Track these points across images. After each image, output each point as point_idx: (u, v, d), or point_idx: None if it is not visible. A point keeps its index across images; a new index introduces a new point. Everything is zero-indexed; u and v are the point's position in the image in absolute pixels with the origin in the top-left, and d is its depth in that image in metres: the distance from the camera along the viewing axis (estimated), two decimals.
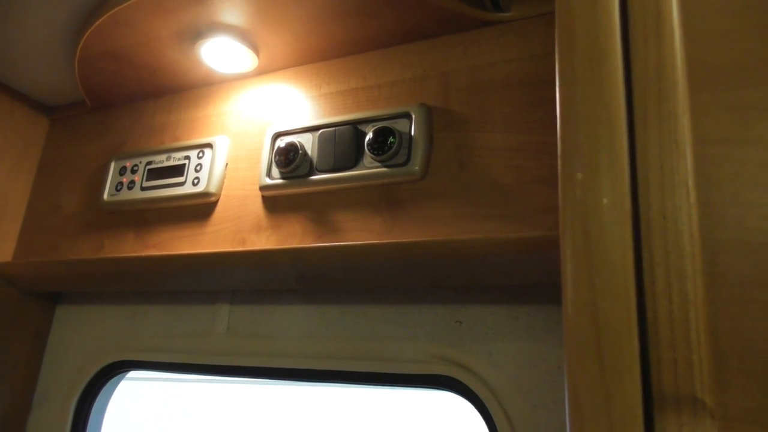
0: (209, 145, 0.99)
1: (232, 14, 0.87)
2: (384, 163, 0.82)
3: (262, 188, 0.91)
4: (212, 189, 0.96)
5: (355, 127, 0.86)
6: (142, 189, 1.02)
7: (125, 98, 1.14)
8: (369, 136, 0.83)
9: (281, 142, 0.90)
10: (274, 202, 0.91)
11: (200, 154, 0.99)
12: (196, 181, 0.97)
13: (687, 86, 0.32)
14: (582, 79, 0.33)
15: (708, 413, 0.28)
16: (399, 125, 0.83)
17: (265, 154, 0.93)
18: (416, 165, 0.80)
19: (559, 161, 0.34)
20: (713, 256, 0.30)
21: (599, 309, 0.30)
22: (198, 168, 0.98)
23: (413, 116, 0.82)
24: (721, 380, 0.29)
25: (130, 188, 1.04)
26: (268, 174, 0.91)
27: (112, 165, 1.08)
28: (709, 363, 0.29)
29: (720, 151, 0.31)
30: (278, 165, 0.89)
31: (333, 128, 0.88)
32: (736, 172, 0.31)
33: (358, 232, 0.83)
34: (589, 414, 0.29)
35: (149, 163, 1.04)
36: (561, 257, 0.32)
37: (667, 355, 0.29)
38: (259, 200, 0.93)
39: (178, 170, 1.00)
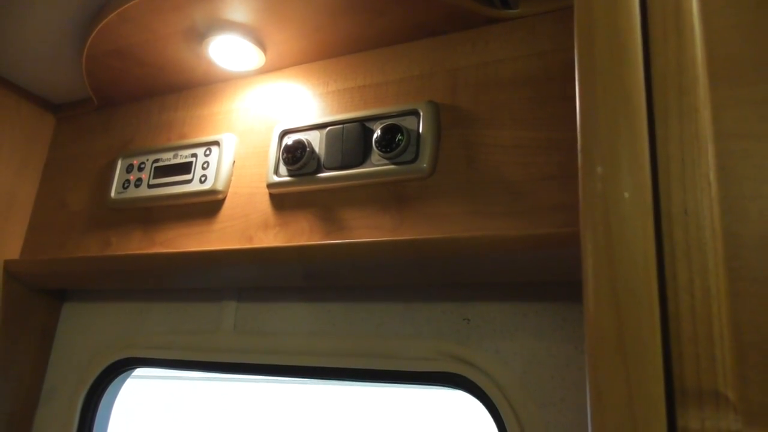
0: (216, 143, 0.99)
1: (239, 12, 0.87)
2: (392, 160, 0.82)
3: (270, 186, 0.91)
4: (219, 186, 0.96)
5: (363, 125, 0.86)
6: (149, 186, 1.03)
7: (132, 96, 1.14)
8: (377, 133, 0.83)
9: (289, 140, 0.90)
10: (281, 200, 0.91)
11: (207, 152, 0.99)
12: (203, 178, 0.97)
13: (707, 80, 0.32)
14: (602, 73, 0.33)
15: (731, 408, 0.28)
16: (407, 122, 0.83)
17: (272, 152, 0.93)
18: (424, 162, 0.79)
19: (579, 155, 0.33)
20: (735, 251, 0.30)
21: (621, 303, 0.30)
22: (205, 165, 0.98)
23: (421, 113, 0.82)
24: (743, 375, 0.29)
25: (137, 186, 1.04)
26: (276, 171, 0.91)
27: (119, 162, 1.08)
28: (731, 357, 0.29)
29: (741, 145, 0.31)
30: (286, 162, 0.89)
31: (341, 126, 0.88)
32: (757, 166, 0.31)
33: (366, 230, 0.82)
34: (611, 408, 0.29)
35: (156, 160, 1.04)
36: (582, 252, 0.32)
37: (690, 350, 0.29)
38: (266, 198, 0.93)
39: (186, 168, 1.00)
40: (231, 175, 0.97)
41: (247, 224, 0.93)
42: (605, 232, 0.31)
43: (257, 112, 1.00)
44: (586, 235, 0.31)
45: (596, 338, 0.30)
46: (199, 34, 0.93)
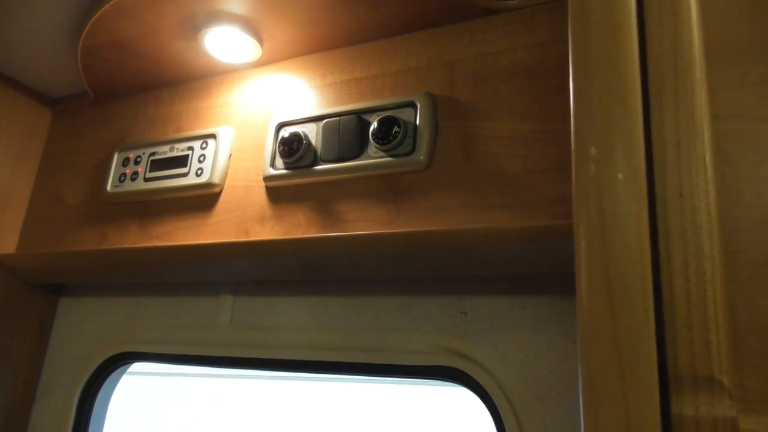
0: (213, 136, 0.98)
1: (235, 3, 0.86)
2: (389, 152, 0.81)
3: (266, 179, 0.91)
4: (216, 180, 0.95)
5: (360, 117, 0.85)
6: (146, 180, 1.02)
7: (128, 89, 1.13)
8: (373, 125, 0.82)
9: (285, 132, 0.90)
10: (277, 193, 0.91)
11: (204, 145, 0.99)
12: (199, 171, 0.97)
13: (704, 62, 0.31)
14: (596, 53, 0.32)
15: (726, 394, 0.27)
16: (404, 114, 0.82)
17: (268, 145, 0.92)
18: (421, 154, 0.79)
19: (573, 137, 0.33)
20: (731, 234, 0.30)
21: (614, 287, 0.29)
22: (201, 159, 0.97)
23: (418, 105, 0.81)
24: (738, 361, 0.28)
25: (133, 179, 1.03)
26: (272, 164, 0.91)
27: (116, 156, 1.08)
28: (726, 343, 0.28)
29: (737, 126, 0.31)
30: (282, 155, 0.88)
31: (337, 118, 0.87)
32: (753, 148, 0.30)
33: (363, 222, 0.82)
34: (603, 395, 0.28)
35: (152, 154, 1.03)
36: (574, 235, 0.31)
37: (684, 335, 0.28)
38: (262, 191, 0.92)
39: (182, 161, 0.99)
40: (227, 168, 0.97)
41: (244, 217, 0.92)
42: (598, 215, 0.30)
43: (254, 105, 0.99)
44: (578, 218, 0.31)
45: (588, 323, 0.29)
46: (195, 27, 0.92)
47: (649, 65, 0.32)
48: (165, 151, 1.02)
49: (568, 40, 0.35)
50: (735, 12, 0.32)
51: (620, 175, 0.30)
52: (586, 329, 0.29)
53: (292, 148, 0.88)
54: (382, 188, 0.82)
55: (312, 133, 0.89)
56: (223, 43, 0.94)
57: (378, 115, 0.83)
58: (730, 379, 0.28)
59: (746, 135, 0.31)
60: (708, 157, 0.30)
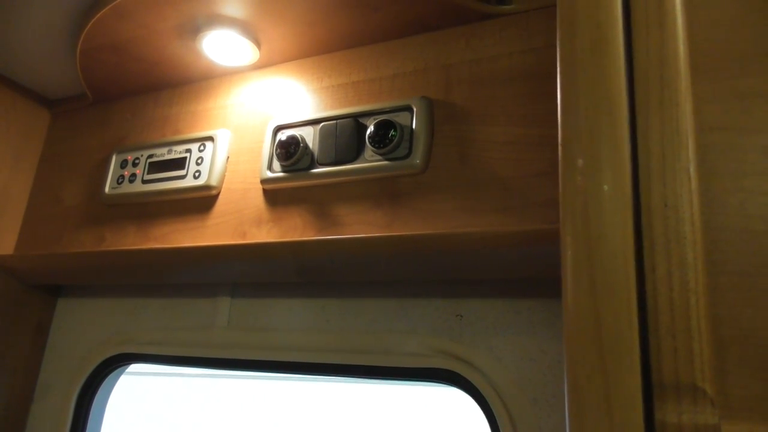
0: (210, 139, 0.99)
1: (233, 7, 0.87)
2: (385, 156, 0.82)
3: (263, 181, 0.91)
4: (213, 182, 0.96)
5: (357, 120, 0.86)
6: (144, 182, 1.02)
7: (126, 91, 1.14)
8: (370, 129, 0.83)
9: (282, 135, 0.90)
10: (275, 196, 0.91)
11: (201, 148, 0.99)
12: (197, 174, 0.97)
13: (689, 74, 0.32)
14: (583, 65, 0.33)
15: (708, 401, 0.28)
16: (400, 118, 0.83)
17: (266, 148, 0.93)
18: (417, 158, 0.79)
19: (560, 148, 0.33)
20: (714, 244, 0.30)
21: (599, 296, 0.30)
22: (199, 161, 0.98)
23: (414, 109, 0.82)
24: (721, 368, 0.29)
25: (131, 181, 1.04)
26: (269, 167, 0.91)
27: (114, 158, 1.08)
28: (709, 351, 0.29)
29: (721, 138, 0.31)
30: (279, 158, 0.89)
31: (334, 121, 0.88)
32: (737, 160, 0.31)
33: (359, 226, 0.82)
34: (588, 401, 0.29)
35: (150, 156, 1.04)
36: (561, 244, 0.32)
37: (667, 343, 0.29)
38: (260, 193, 0.93)
39: (180, 163, 1.00)
40: (225, 170, 0.97)
41: (241, 220, 0.93)
42: (584, 225, 0.30)
43: (251, 108, 1.00)
44: (565, 227, 0.31)
45: (574, 331, 0.30)
46: (193, 30, 0.93)
47: (636, 77, 0.32)
48: (163, 154, 1.03)
49: None
50: (721, 25, 0.33)
51: (606, 187, 0.31)
52: (571, 336, 0.30)
53: (289, 151, 0.88)
54: (379, 192, 0.83)
55: (309, 136, 0.90)
56: (221, 46, 0.94)
57: (375, 119, 0.84)
58: (712, 386, 0.28)
59: (730, 147, 0.31)
60: (692, 169, 0.31)
